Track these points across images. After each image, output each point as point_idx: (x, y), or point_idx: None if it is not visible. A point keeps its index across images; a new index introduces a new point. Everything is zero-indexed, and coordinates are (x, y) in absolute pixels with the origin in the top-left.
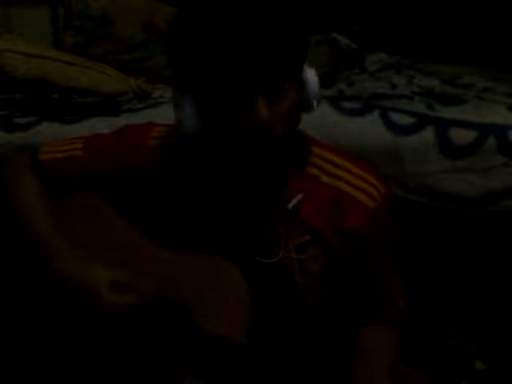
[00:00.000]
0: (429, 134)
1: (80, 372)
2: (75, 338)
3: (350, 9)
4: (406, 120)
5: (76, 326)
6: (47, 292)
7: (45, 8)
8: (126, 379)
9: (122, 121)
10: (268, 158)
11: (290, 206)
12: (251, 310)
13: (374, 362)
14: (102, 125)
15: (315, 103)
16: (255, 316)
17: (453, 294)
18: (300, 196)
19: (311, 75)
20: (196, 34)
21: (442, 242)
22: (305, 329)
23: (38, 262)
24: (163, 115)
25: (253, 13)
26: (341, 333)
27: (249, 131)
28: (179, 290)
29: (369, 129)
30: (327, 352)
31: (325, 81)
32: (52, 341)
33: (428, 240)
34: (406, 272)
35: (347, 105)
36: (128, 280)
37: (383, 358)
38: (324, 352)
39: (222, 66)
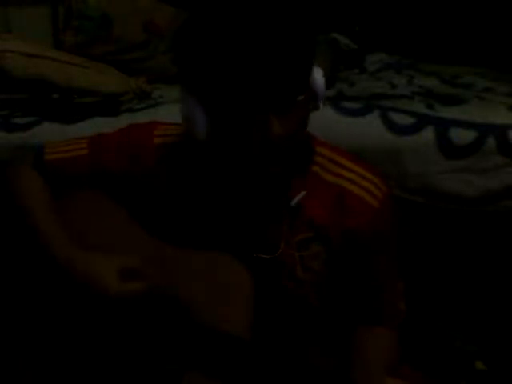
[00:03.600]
0: (429, 134)
1: (80, 369)
2: (74, 334)
3: (350, 9)
4: (406, 120)
5: (75, 322)
6: (46, 287)
7: (45, 8)
8: (127, 375)
9: (122, 121)
10: (274, 160)
11: (294, 203)
12: (254, 304)
13: (374, 362)
14: (102, 125)
15: (321, 103)
16: (257, 312)
17: (453, 294)
18: (303, 193)
19: (319, 76)
20: (209, 54)
21: (441, 242)
22: (305, 325)
23: (39, 255)
24: (163, 115)
25: (263, 32)
26: (341, 330)
27: (261, 143)
28: (181, 286)
29: (369, 129)
30: (327, 349)
31: (325, 81)
32: (51, 338)
33: (428, 240)
34: (406, 272)
35: (347, 105)
36: (138, 266)
37: (382, 358)
38: (324, 349)
39: (233, 86)
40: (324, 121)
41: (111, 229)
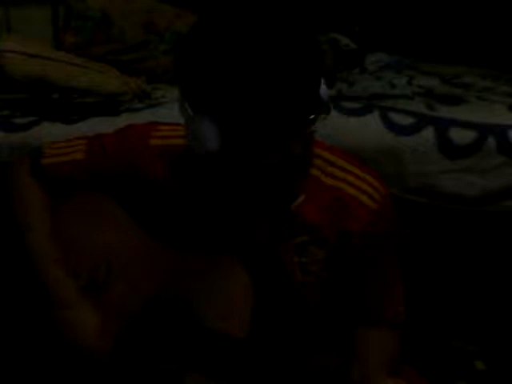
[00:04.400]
0: (429, 134)
1: (80, 369)
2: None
3: (350, 9)
4: (405, 120)
5: None
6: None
7: (45, 8)
8: (127, 375)
9: (122, 121)
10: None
11: (293, 206)
12: (254, 305)
13: (374, 362)
14: (102, 125)
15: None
16: (255, 313)
17: (453, 294)
18: (302, 197)
19: (323, 86)
20: (230, 83)
21: (441, 242)
22: (304, 327)
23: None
24: (163, 115)
25: (281, 61)
26: (341, 330)
27: (280, 163)
28: (181, 286)
29: (369, 129)
30: (327, 349)
31: (325, 81)
32: (51, 337)
33: (428, 240)
34: (406, 272)
35: (347, 105)
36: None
37: (382, 358)
38: (324, 349)
39: (255, 112)
40: (324, 121)
41: (111, 230)
